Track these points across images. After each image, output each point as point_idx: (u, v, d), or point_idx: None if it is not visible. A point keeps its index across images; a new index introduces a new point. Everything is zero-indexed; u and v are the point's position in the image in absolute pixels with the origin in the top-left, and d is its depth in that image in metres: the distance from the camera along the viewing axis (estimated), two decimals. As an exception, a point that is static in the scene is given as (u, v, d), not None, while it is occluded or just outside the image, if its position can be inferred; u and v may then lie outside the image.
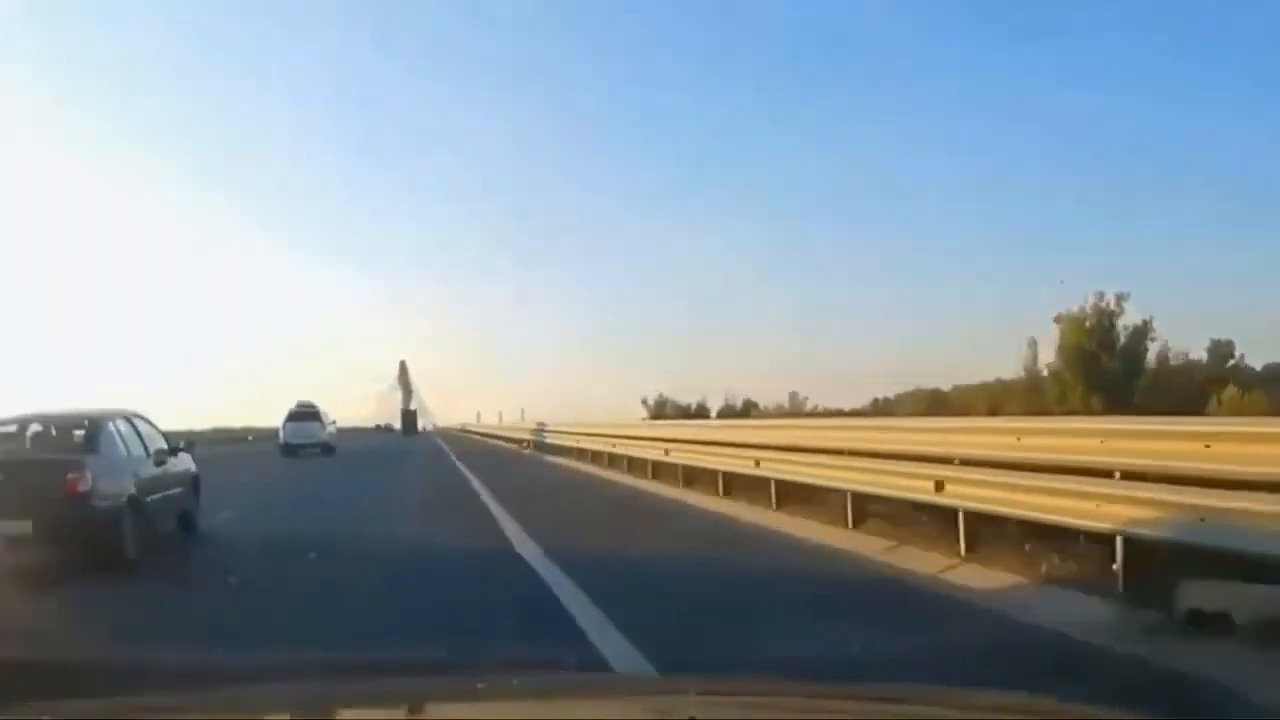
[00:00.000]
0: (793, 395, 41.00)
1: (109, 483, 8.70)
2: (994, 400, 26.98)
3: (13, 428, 9.48)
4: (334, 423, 38.88)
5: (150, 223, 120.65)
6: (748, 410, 37.49)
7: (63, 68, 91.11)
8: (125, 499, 8.87)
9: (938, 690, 2.14)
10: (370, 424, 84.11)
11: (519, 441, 36.64)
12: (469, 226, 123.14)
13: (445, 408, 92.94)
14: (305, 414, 36.40)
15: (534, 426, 35.17)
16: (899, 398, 36.81)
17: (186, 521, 10.66)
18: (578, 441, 24.34)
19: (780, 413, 34.91)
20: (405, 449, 38.77)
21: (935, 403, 32.85)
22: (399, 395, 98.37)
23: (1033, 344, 27.19)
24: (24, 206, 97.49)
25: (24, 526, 7.55)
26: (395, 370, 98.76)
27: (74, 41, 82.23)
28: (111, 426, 9.54)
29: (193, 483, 11.07)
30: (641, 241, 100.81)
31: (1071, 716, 1.99)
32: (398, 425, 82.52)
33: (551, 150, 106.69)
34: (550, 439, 29.69)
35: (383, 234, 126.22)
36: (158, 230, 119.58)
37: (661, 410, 40.28)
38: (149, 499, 9.38)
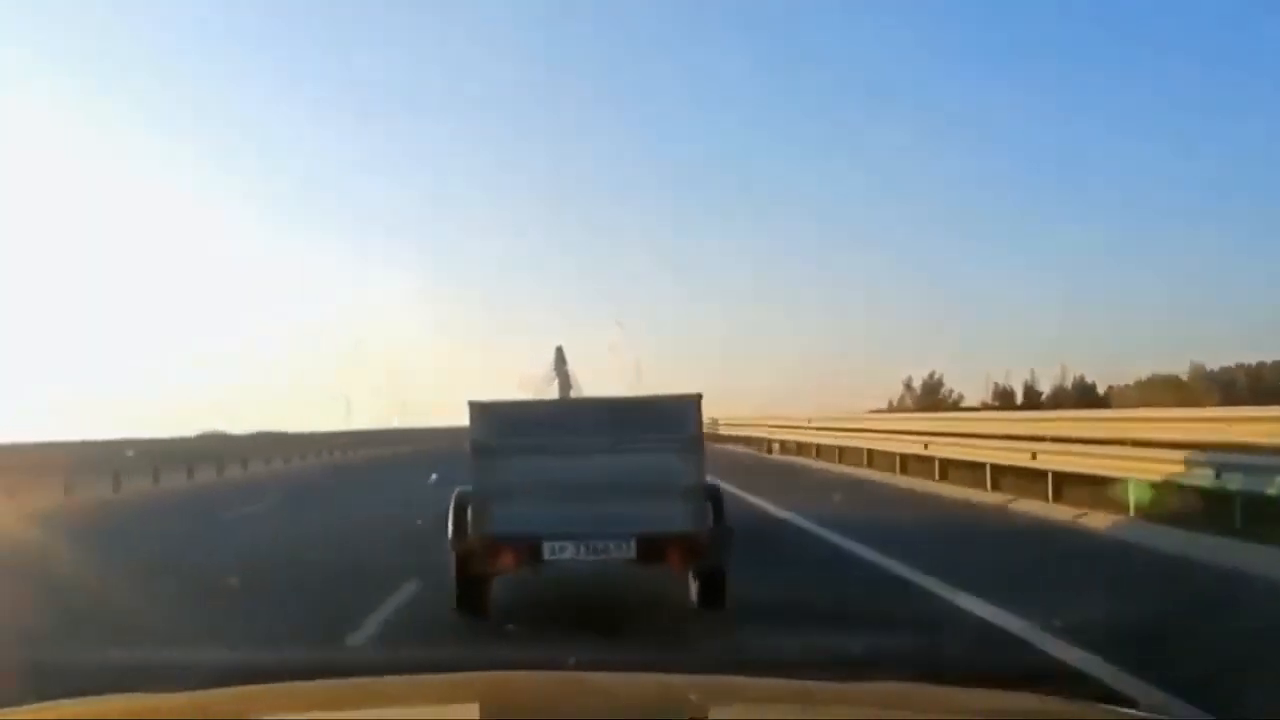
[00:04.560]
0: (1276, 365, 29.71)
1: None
2: None
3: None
4: None
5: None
6: (1103, 398, 29.14)
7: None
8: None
9: (939, 690, 2.10)
10: None
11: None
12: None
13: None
14: None
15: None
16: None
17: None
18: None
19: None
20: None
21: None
22: (555, 386, 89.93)
23: None
24: (118, 211, 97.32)
25: None
26: (551, 357, 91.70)
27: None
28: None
29: None
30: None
31: (1073, 716, 1.94)
32: None
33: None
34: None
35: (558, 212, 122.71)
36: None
37: (933, 397, 31.97)
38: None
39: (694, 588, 6.93)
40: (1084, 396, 29.79)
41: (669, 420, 6.62)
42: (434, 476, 21.44)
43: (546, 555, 6.33)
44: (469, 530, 6.59)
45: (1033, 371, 32.12)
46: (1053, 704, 1.96)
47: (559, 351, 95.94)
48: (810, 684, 2.18)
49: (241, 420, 41.15)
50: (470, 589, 6.70)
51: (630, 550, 6.32)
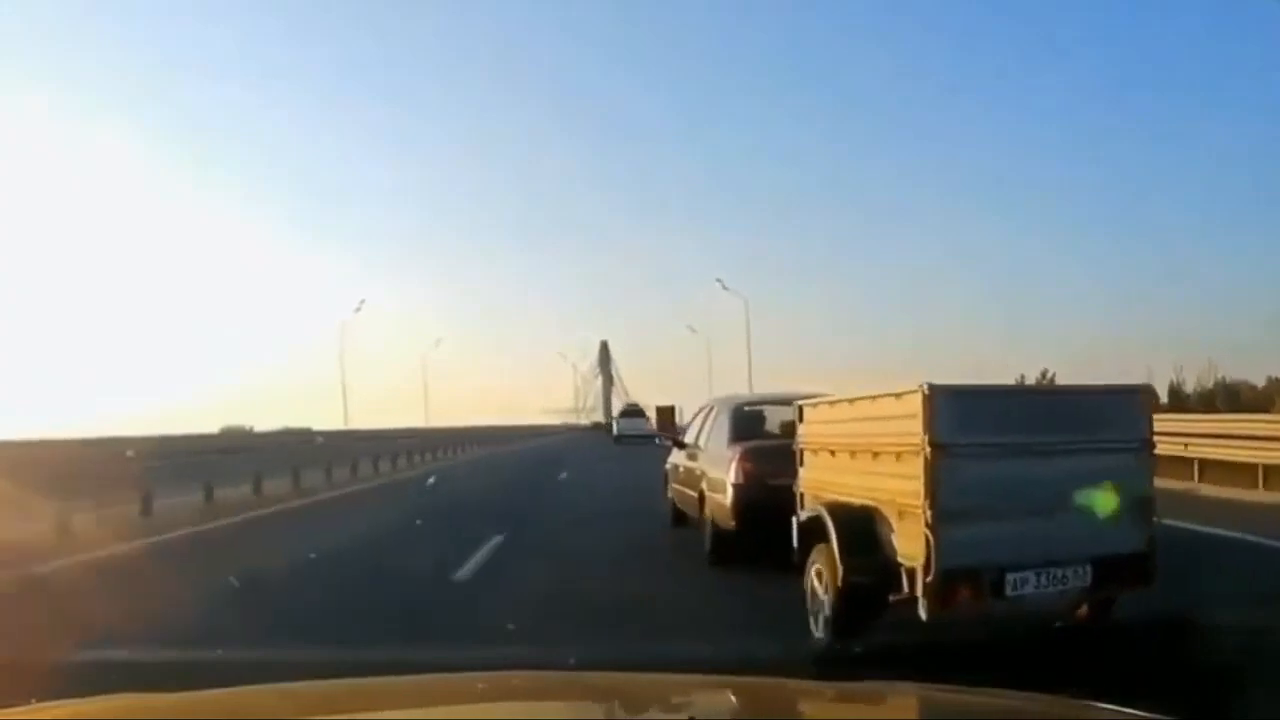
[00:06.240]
0: None
1: None
2: None
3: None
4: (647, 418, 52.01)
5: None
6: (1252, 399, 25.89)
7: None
8: None
9: (939, 690, 2.10)
10: (573, 418, 73.10)
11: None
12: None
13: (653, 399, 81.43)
14: (633, 412, 52.32)
15: None
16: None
17: None
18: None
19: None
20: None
21: None
22: (599, 382, 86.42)
23: None
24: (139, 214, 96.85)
25: None
26: (595, 353, 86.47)
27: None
28: None
29: None
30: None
31: (1074, 716, 1.94)
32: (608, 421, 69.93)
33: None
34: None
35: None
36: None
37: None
38: None
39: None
40: (1232, 397, 27.32)
41: (1119, 415, 5.63)
42: (431, 479, 21.78)
43: (1009, 591, 5.16)
44: (870, 553, 5.55)
45: (1179, 370, 29.34)
46: (1053, 704, 1.96)
47: (604, 346, 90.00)
48: (810, 684, 2.19)
49: (259, 418, 41.16)
50: (856, 618, 5.66)
51: (1086, 577, 5.30)
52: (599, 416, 79.16)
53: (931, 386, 5.18)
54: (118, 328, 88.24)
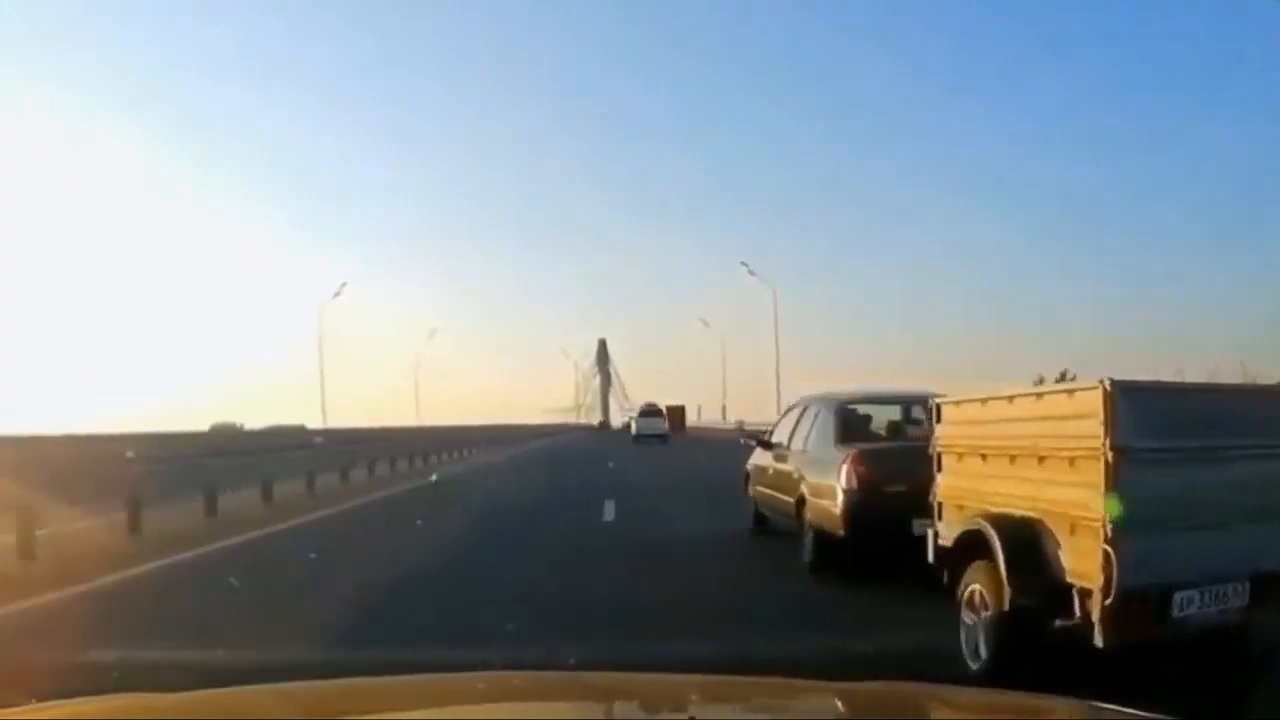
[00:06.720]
0: None
1: None
2: None
3: None
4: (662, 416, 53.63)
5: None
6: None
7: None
8: None
9: (939, 690, 2.10)
10: (571, 417, 71.57)
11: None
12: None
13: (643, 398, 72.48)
14: (651, 412, 53.13)
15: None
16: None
17: None
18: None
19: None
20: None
21: None
22: (597, 381, 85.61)
23: None
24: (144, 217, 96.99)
25: None
26: (594, 350, 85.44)
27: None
28: None
29: None
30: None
31: (1073, 716, 1.94)
32: (617, 422, 68.93)
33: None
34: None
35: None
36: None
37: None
38: None
39: None
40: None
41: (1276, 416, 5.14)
42: (434, 477, 21.39)
43: (1175, 612, 4.65)
44: (1037, 572, 4.96)
45: (1215, 369, 28.38)
46: (1053, 704, 1.96)
47: (602, 345, 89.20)
48: (810, 684, 2.18)
49: (249, 416, 40.51)
50: (1020, 646, 4.99)
51: (1244, 595, 4.79)
52: (598, 415, 78.63)
53: (1113, 382, 4.64)
54: (117, 327, 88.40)
